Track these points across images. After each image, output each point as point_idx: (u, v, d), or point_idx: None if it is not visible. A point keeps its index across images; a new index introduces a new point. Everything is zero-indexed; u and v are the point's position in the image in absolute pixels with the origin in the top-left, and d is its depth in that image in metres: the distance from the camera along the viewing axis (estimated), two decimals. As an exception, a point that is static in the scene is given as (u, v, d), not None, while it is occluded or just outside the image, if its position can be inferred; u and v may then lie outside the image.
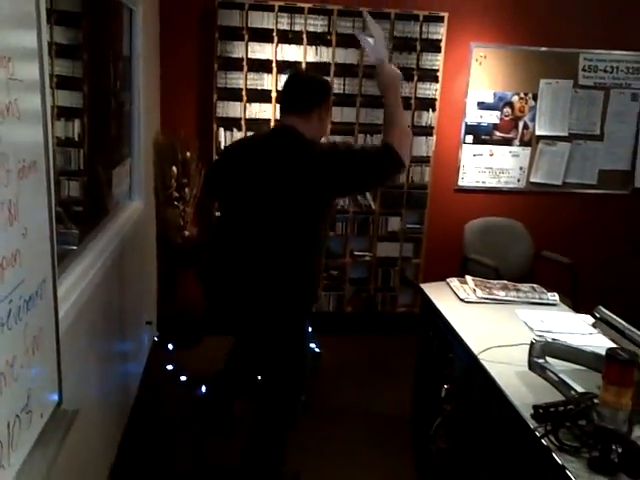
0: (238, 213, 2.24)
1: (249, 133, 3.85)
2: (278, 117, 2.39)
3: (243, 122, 3.92)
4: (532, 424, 1.64)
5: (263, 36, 3.84)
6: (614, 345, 1.86)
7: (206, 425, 2.71)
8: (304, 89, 2.22)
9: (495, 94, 4.22)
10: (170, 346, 3.74)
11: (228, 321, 2.42)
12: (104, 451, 2.46)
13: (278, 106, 2.38)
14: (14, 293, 1.12)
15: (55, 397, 1.39)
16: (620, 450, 1.45)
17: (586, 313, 2.45)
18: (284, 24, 3.86)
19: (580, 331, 2.29)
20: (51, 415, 1.33)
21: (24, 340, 1.17)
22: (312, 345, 3.52)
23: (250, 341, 2.43)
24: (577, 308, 2.79)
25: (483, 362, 2.03)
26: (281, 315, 2.20)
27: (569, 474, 1.44)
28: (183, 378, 3.40)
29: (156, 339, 3.83)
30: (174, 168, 3.77)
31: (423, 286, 2.87)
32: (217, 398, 2.69)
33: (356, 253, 4.22)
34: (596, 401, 1.56)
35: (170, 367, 3.51)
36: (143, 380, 3.35)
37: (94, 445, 2.27)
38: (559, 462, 1.48)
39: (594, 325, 2.12)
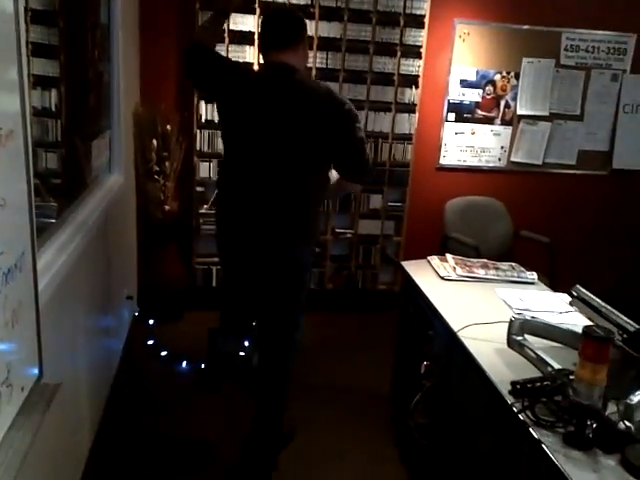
0: (248, 146, 2.27)
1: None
2: (264, 55, 2.36)
3: (225, 96, 3.86)
4: (509, 400, 1.67)
5: (245, 7, 3.76)
6: (590, 323, 1.90)
7: (205, 385, 2.83)
8: (289, 24, 2.29)
9: (478, 72, 4.22)
10: (151, 321, 3.72)
11: (238, 254, 2.40)
12: (86, 425, 2.45)
13: (260, 45, 2.46)
14: (-8, 266, 1.10)
15: (35, 371, 1.37)
16: (595, 425, 1.49)
17: (564, 292, 2.49)
18: (267, -5, 3.79)
19: (557, 309, 2.33)
20: (32, 389, 1.32)
21: (3, 313, 1.15)
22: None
23: (258, 276, 2.40)
24: (555, 287, 2.83)
25: (462, 339, 2.06)
26: (292, 247, 2.32)
27: (545, 448, 1.47)
28: (164, 353, 3.40)
29: (136, 314, 3.81)
30: (154, 141, 3.72)
31: (404, 264, 2.88)
32: (216, 355, 2.73)
33: (337, 230, 4.23)
34: (572, 377, 1.59)
35: (151, 342, 3.50)
36: (124, 355, 3.33)
37: (76, 420, 2.26)
38: (535, 437, 1.51)
39: (571, 303, 2.15)
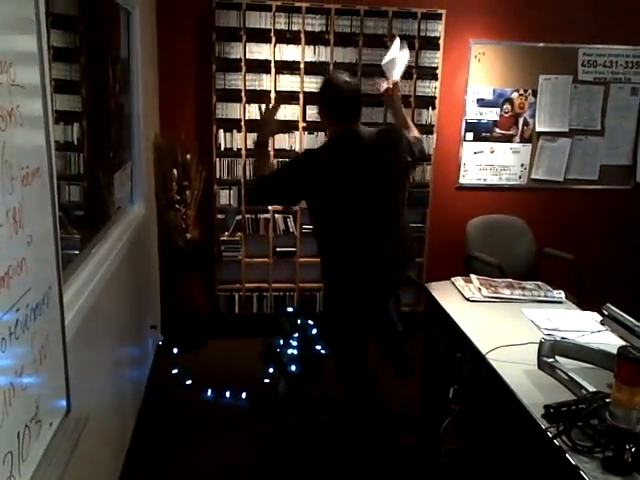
0: (355, 205, 2.56)
1: (249, 134, 3.85)
2: (336, 123, 2.60)
3: (243, 123, 3.90)
4: (544, 424, 1.62)
5: (261, 36, 3.83)
6: (623, 343, 1.85)
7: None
8: (359, 100, 2.59)
9: (494, 91, 4.21)
10: (175, 350, 3.73)
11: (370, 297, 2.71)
12: (113, 457, 2.44)
13: (333, 115, 2.61)
14: (21, 301, 1.10)
15: (63, 405, 1.37)
16: (634, 449, 1.43)
17: (591, 310, 2.43)
18: (282, 24, 3.84)
19: (588, 329, 2.27)
20: (60, 424, 1.32)
21: (32, 349, 1.16)
22: (317, 347, 3.50)
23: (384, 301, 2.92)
24: (582, 305, 2.77)
25: (491, 362, 2.01)
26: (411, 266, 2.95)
27: (583, 474, 1.42)
28: (188, 382, 3.39)
29: (161, 343, 3.81)
30: (175, 171, 3.76)
31: (428, 286, 2.84)
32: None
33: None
34: (608, 400, 1.55)
35: (175, 371, 3.50)
36: (149, 384, 3.33)
37: (103, 451, 2.25)
38: (573, 462, 1.46)
39: (602, 322, 2.10)
